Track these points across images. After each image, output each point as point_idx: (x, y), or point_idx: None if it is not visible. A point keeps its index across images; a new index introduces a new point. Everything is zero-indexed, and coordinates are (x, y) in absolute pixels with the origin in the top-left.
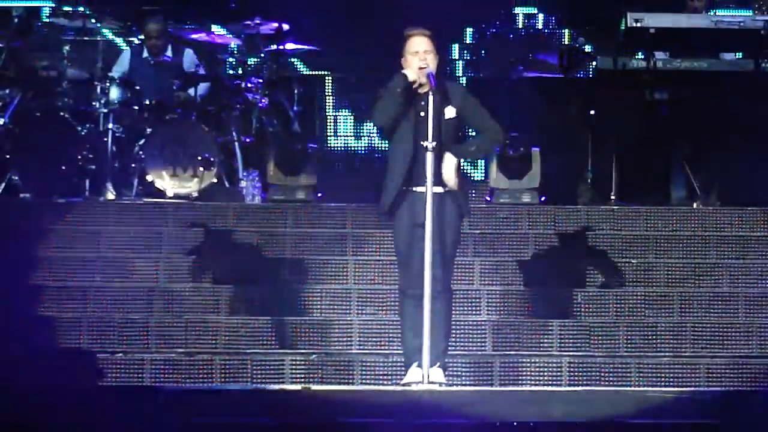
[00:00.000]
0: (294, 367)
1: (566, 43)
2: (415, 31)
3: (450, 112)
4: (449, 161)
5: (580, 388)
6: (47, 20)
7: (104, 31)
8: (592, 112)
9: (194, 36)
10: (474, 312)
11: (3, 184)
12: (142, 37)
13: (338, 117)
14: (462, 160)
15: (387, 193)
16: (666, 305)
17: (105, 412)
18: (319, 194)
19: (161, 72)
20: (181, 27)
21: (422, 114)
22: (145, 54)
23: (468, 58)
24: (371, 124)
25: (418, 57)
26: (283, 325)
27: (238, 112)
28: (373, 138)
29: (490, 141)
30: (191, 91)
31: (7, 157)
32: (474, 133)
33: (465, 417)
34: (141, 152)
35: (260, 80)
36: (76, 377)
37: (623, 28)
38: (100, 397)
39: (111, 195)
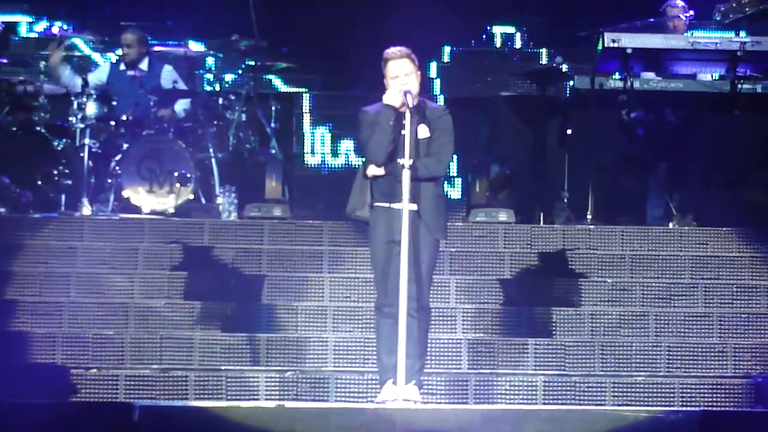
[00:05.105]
0: (269, 384)
1: (543, 62)
2: (393, 54)
3: (423, 131)
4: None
5: (554, 407)
6: (24, 35)
7: (81, 46)
8: (569, 131)
9: (172, 51)
10: (449, 330)
11: None
12: (120, 52)
13: (315, 134)
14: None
15: (361, 204)
16: (641, 325)
17: (78, 428)
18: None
19: (138, 87)
20: (159, 42)
21: (402, 133)
22: (123, 67)
23: (445, 76)
24: (364, 158)
25: (399, 81)
26: (259, 341)
27: (215, 128)
28: (350, 155)
29: (424, 165)
30: (175, 106)
31: None
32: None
33: None
34: (117, 168)
35: (237, 97)
36: (49, 392)
37: (600, 48)
38: (73, 413)
39: (87, 210)
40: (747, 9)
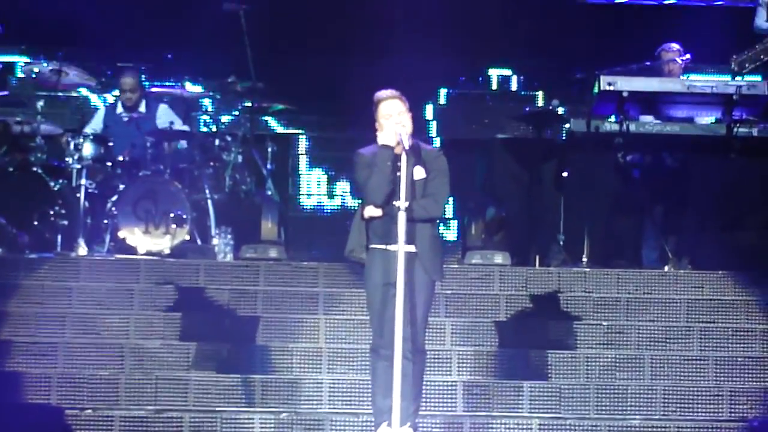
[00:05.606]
0: (264, 425)
1: (539, 105)
2: (385, 95)
3: (419, 172)
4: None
5: None
6: (21, 75)
7: (78, 87)
8: (565, 174)
9: (168, 92)
10: (445, 372)
11: None
12: (117, 93)
13: (311, 175)
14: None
15: (359, 246)
16: (637, 368)
17: None
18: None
19: (135, 129)
20: (156, 84)
21: (398, 174)
22: (119, 110)
23: (441, 118)
24: (361, 200)
25: (393, 120)
26: (254, 383)
27: (211, 169)
28: (346, 197)
29: (422, 206)
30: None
31: None
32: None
33: None
34: (113, 208)
35: (234, 138)
36: None
37: (597, 90)
38: None
39: (83, 251)
40: (762, 57)
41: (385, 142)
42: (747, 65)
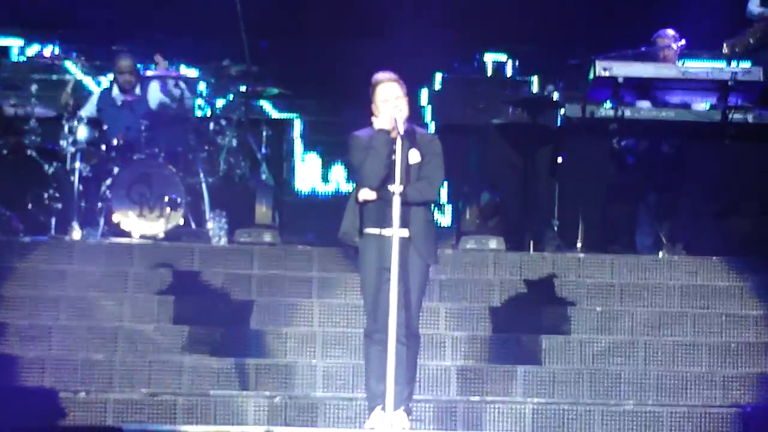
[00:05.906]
0: (257, 408)
1: (534, 90)
2: (383, 78)
3: (414, 156)
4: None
5: None
6: (16, 58)
7: (72, 70)
8: (560, 159)
9: (163, 74)
10: (439, 356)
11: None
12: (112, 76)
13: (306, 160)
14: (432, 207)
15: (353, 229)
16: (630, 353)
17: None
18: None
19: (129, 112)
20: (150, 67)
21: (392, 158)
22: (115, 93)
23: (436, 103)
24: (355, 183)
25: (390, 104)
26: (248, 366)
27: (206, 153)
28: (340, 181)
29: (417, 189)
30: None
31: None
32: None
33: None
34: (108, 192)
35: (228, 122)
36: (38, 416)
37: (592, 76)
38: None
39: (77, 234)
40: (751, 40)
41: (382, 126)
42: (737, 49)
